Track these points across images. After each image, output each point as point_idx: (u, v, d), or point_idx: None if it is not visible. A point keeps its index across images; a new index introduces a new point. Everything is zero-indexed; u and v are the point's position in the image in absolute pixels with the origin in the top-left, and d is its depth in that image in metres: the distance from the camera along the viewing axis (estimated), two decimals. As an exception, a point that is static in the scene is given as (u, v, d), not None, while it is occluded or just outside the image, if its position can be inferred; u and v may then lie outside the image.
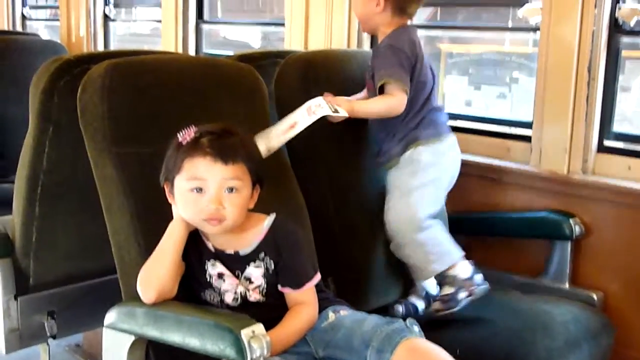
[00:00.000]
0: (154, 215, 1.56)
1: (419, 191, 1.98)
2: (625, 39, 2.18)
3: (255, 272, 1.53)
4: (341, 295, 1.78)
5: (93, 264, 1.97)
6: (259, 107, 1.91)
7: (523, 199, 2.31)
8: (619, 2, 2.13)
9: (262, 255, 1.53)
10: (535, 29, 2.29)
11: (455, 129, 2.49)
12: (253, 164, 1.50)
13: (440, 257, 1.97)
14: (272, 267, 1.53)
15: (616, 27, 2.14)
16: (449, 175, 2.08)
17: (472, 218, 2.41)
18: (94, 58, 1.81)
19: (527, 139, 2.32)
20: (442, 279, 1.98)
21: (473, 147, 2.43)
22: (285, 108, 2.01)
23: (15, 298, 1.93)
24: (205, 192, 1.45)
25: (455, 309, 1.95)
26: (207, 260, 1.54)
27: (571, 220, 2.15)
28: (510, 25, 2.96)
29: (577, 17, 2.12)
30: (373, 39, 2.75)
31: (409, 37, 2.00)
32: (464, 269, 1.98)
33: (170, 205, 1.53)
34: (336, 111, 1.86)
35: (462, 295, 1.96)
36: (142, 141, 1.64)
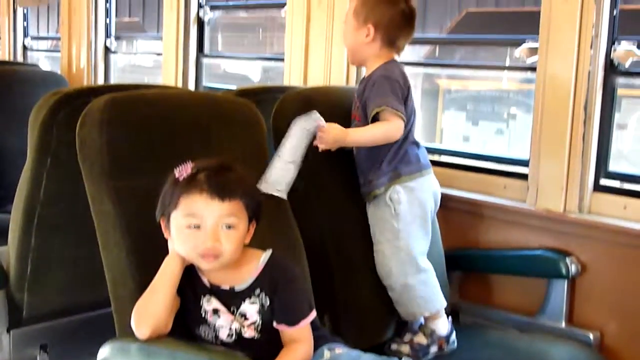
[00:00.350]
0: (150, 251, 1.55)
1: (405, 232, 1.99)
2: (620, 80, 2.20)
3: (251, 309, 1.52)
4: (337, 333, 1.77)
5: (88, 297, 1.96)
6: (258, 142, 1.91)
7: (519, 237, 2.32)
8: (614, 44, 2.15)
9: (257, 291, 1.52)
10: (532, 69, 2.31)
11: (452, 166, 2.52)
12: (250, 200, 1.50)
13: (426, 303, 1.98)
14: (268, 303, 1.52)
15: (612, 68, 2.16)
16: (430, 207, 2.08)
17: (468, 255, 2.41)
18: (93, 91, 1.82)
19: (523, 176, 2.33)
20: (421, 327, 1.99)
21: (470, 184, 2.44)
22: (283, 143, 2.02)
23: (8, 331, 1.92)
24: (202, 229, 1.45)
25: None
26: (202, 296, 1.53)
27: (567, 259, 2.15)
28: (507, 63, 3.00)
29: (573, 57, 2.14)
30: (371, 75, 2.77)
31: (400, 70, 2.03)
32: (443, 325, 2.00)
33: (166, 240, 1.53)
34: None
35: (433, 349, 1.98)
36: (140, 175, 1.64)
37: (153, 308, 1.46)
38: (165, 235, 1.52)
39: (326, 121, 1.94)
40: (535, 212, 2.25)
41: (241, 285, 1.52)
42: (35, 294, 1.92)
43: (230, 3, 4.04)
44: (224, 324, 1.52)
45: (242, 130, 1.88)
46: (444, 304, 2.01)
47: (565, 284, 2.16)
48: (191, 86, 3.61)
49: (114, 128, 1.63)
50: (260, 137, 1.92)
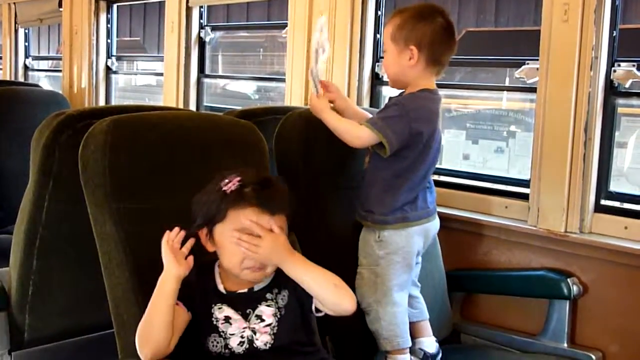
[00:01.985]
0: (152, 272, 1.55)
1: (386, 260, 1.96)
2: (620, 100, 2.22)
3: (267, 311, 1.52)
4: (339, 356, 1.77)
5: (89, 319, 1.95)
6: (259, 163, 1.92)
7: (521, 257, 2.32)
8: (614, 65, 2.16)
9: (275, 290, 1.54)
10: (532, 89, 2.32)
11: (453, 186, 2.52)
12: (290, 215, 1.55)
13: (390, 338, 1.95)
14: (286, 299, 1.53)
15: (612, 89, 2.17)
16: (418, 247, 2.04)
17: (469, 275, 2.41)
18: (96, 113, 1.83)
19: (524, 196, 2.33)
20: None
21: (472, 204, 2.44)
22: (284, 164, 2.03)
23: (9, 353, 1.91)
24: None
25: None
26: (213, 304, 1.52)
27: (569, 280, 2.15)
28: (507, 83, 3.01)
29: (574, 79, 2.15)
30: (372, 96, 2.78)
31: (427, 106, 1.95)
32: (430, 344, 2.01)
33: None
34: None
35: None
36: (143, 197, 1.65)
37: (152, 330, 1.46)
38: (206, 247, 1.53)
39: (326, 142, 1.98)
40: (536, 233, 2.25)
41: (260, 284, 1.54)
42: (36, 316, 1.91)
43: (232, 23, 4.06)
44: (236, 332, 1.51)
45: (243, 151, 1.88)
46: (409, 344, 1.97)
47: (567, 304, 2.17)
48: (192, 106, 3.62)
49: (117, 150, 1.63)
50: (261, 158, 1.92)
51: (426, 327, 2.07)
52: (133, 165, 1.66)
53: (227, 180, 1.50)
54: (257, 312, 1.52)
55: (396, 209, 1.96)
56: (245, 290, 1.53)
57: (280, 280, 1.54)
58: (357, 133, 1.92)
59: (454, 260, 2.36)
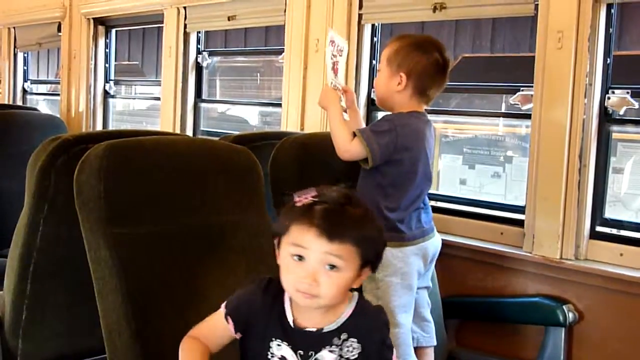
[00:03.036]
0: (147, 298, 1.55)
1: (385, 282, 1.96)
2: (615, 127, 2.23)
3: (328, 357, 1.40)
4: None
5: (83, 344, 1.93)
6: (255, 188, 1.92)
7: (516, 284, 2.31)
8: (608, 92, 2.18)
9: (344, 335, 1.41)
10: (527, 116, 2.33)
11: (449, 212, 2.53)
12: (364, 247, 1.37)
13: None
14: (355, 355, 1.41)
15: (606, 116, 2.19)
16: (418, 266, 2.04)
17: (465, 302, 2.40)
18: (92, 138, 1.83)
19: (520, 223, 2.33)
20: None
21: (467, 230, 2.45)
22: (280, 189, 2.03)
23: (2, 378, 1.90)
24: (305, 262, 1.35)
25: None
26: (273, 338, 1.41)
27: (564, 307, 2.15)
28: (503, 109, 3.02)
29: (568, 105, 2.16)
30: (368, 122, 2.80)
31: (416, 125, 2.00)
32: None
33: (164, 287, 1.51)
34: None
35: None
36: (138, 222, 1.64)
37: None
38: (276, 257, 1.42)
39: (321, 167, 1.99)
40: (532, 259, 2.25)
41: (331, 325, 1.41)
42: (30, 340, 1.90)
43: (229, 49, 4.09)
44: None
45: (239, 176, 1.88)
46: None
47: (562, 331, 2.16)
48: (189, 131, 3.63)
49: (112, 175, 1.63)
50: (257, 183, 1.92)
51: (430, 354, 2.06)
52: (128, 190, 1.66)
53: (301, 193, 1.40)
54: (318, 356, 1.40)
55: (390, 227, 1.97)
56: (314, 329, 1.41)
57: (351, 326, 1.42)
58: (347, 147, 1.97)
59: (450, 286, 2.35)
